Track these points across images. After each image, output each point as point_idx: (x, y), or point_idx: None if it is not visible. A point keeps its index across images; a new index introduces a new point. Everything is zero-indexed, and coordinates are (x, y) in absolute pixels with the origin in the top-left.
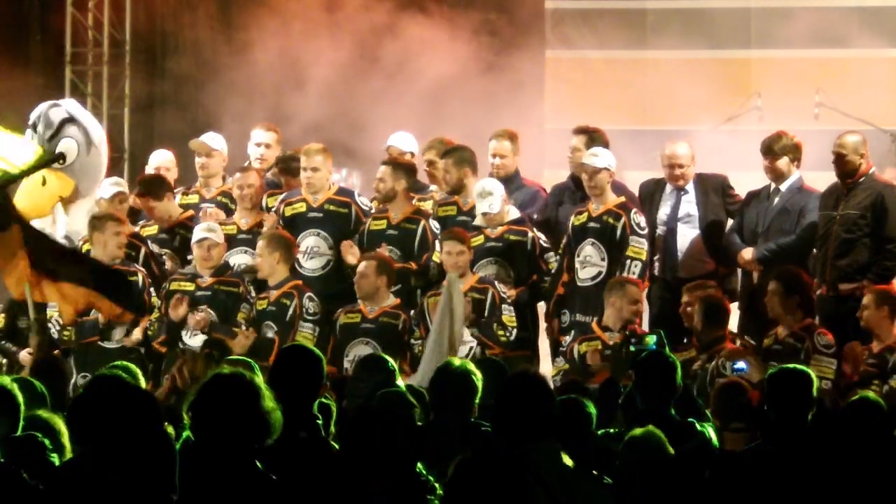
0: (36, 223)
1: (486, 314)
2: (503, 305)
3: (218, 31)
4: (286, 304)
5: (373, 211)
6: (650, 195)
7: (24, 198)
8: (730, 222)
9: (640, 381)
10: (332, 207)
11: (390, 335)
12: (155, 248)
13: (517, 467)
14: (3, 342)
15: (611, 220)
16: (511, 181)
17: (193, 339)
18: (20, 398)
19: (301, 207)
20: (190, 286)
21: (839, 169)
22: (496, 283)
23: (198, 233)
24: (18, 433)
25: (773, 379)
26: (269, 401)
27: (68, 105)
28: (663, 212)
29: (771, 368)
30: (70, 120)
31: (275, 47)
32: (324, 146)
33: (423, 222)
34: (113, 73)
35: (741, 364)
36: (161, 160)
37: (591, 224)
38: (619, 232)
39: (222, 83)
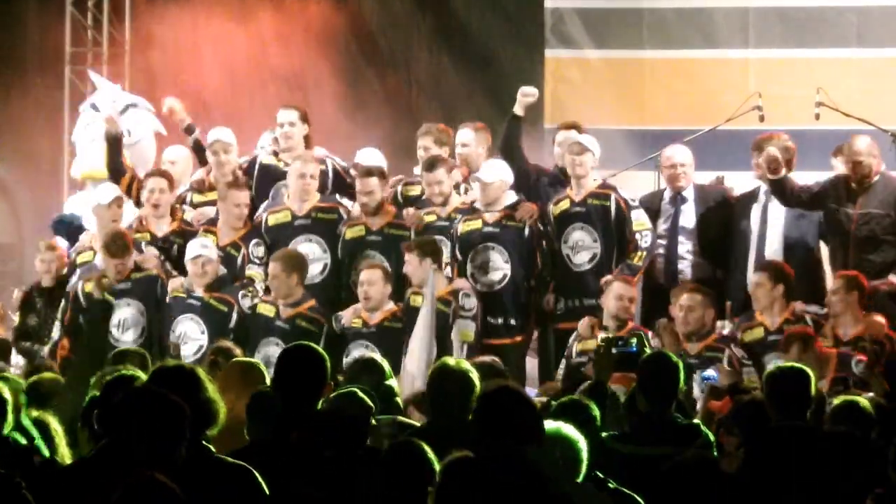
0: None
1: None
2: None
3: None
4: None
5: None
6: (646, 206)
7: None
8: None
9: (644, 383)
10: (319, 215)
11: (390, 339)
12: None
13: (525, 468)
14: (22, 342)
15: (597, 202)
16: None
17: (184, 349)
18: (7, 397)
19: (286, 217)
20: (183, 294)
21: (858, 174)
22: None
23: (192, 249)
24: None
25: (772, 378)
26: (211, 392)
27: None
28: (662, 226)
29: (770, 368)
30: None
31: (277, 47)
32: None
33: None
34: (113, 73)
35: (711, 372)
36: (170, 156)
37: (576, 209)
38: (613, 210)
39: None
